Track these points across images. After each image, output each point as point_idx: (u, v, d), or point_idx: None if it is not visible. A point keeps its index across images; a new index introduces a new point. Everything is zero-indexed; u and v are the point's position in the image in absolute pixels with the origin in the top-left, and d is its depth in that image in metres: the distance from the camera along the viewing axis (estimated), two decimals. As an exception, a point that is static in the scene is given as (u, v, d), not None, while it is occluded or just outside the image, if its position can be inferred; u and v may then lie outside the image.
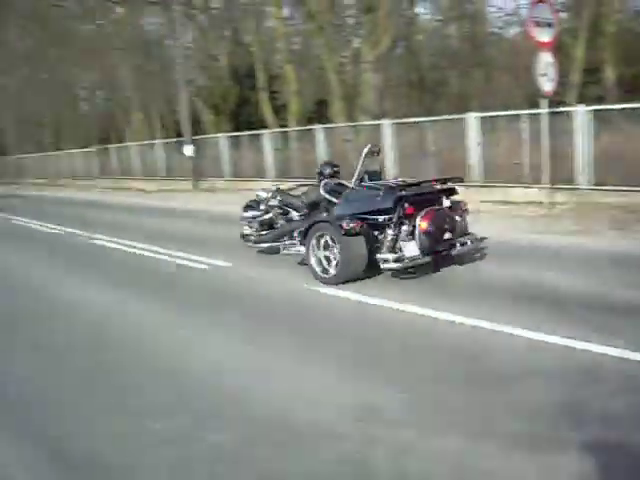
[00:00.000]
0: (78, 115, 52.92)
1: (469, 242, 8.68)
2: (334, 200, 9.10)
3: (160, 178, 29.54)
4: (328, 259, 8.44)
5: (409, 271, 8.29)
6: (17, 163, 49.16)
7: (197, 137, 27.65)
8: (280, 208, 10.19)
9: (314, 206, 9.64)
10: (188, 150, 26.28)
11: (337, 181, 9.58)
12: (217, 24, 35.95)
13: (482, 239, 8.96)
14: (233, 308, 7.82)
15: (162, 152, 29.97)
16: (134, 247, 12.69)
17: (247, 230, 10.63)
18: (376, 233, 8.37)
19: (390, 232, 8.19)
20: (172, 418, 4.73)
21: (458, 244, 8.45)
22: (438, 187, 8.60)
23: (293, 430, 4.40)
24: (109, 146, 36.34)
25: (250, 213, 10.61)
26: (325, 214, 9.15)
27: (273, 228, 10.24)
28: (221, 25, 36.31)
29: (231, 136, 25.59)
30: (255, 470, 3.96)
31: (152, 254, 11.82)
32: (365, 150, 9.21)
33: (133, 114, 40.74)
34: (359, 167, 9.13)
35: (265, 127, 26.50)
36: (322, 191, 9.35)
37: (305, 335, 6.53)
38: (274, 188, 10.48)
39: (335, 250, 8.27)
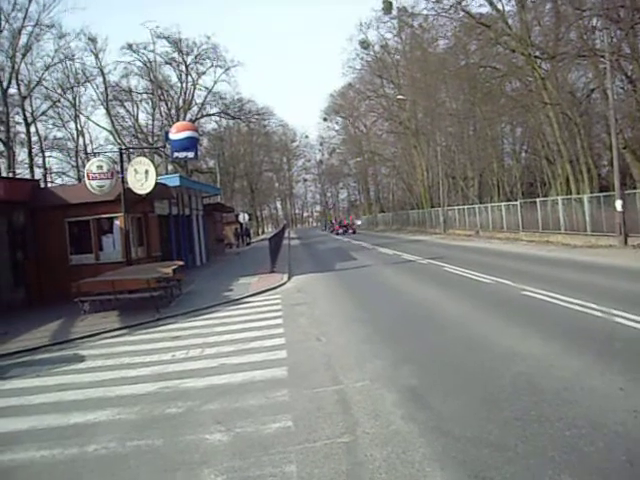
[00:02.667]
0: (502, 169, 54.43)
1: (349, 232, 72.20)
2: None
3: (585, 233, 28.87)
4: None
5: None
6: (445, 214, 52.28)
7: (628, 192, 26.53)
8: None
9: None
10: (618, 205, 25.37)
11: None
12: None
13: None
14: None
15: (588, 207, 29.28)
16: (568, 302, 12.64)
17: None
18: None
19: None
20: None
21: (348, 231, 72.06)
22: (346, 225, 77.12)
23: None
24: (536, 200, 36.57)
25: None
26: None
27: None
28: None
29: (666, 190, 24.02)
30: None
31: (586, 309, 11.64)
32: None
33: (559, 168, 40.64)
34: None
35: None
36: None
37: None
38: None
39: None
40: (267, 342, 11.48)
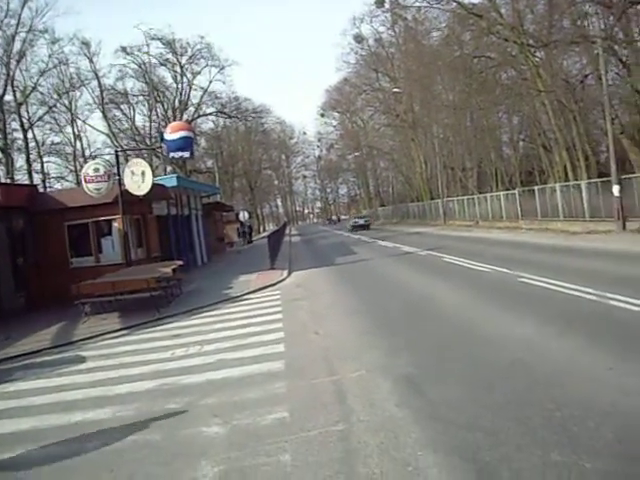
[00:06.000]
0: (500, 159, 54.44)
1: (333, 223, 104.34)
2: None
3: (583, 219, 28.95)
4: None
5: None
6: (444, 206, 52.39)
7: (625, 177, 26.56)
8: None
9: None
10: (615, 190, 25.43)
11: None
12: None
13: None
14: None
15: (586, 193, 29.34)
16: (563, 287, 12.73)
17: None
18: None
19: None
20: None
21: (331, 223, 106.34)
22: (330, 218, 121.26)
23: None
24: (534, 188, 36.62)
25: None
26: None
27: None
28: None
29: (663, 174, 24.07)
30: None
31: (580, 294, 11.75)
32: None
33: (556, 156, 40.64)
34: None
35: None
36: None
37: None
38: None
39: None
40: (266, 337, 11.56)
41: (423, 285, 16.58)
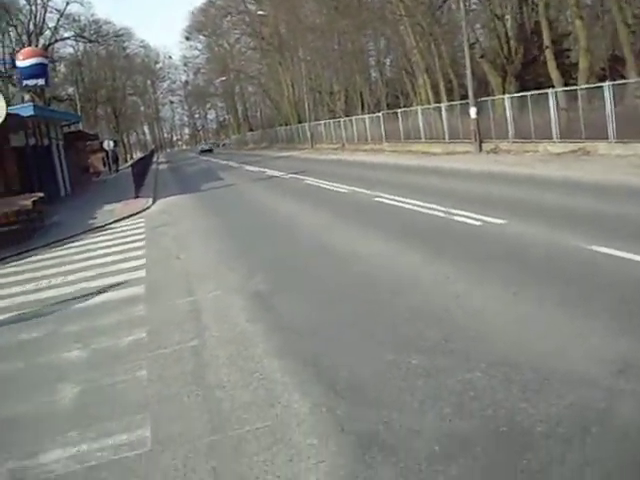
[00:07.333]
0: (367, 82, 55.06)
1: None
2: None
3: (444, 141, 30.06)
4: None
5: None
6: (312, 129, 52.82)
7: (482, 99, 27.65)
8: None
9: None
10: (472, 112, 26.47)
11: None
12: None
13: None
14: (503, 262, 8.17)
15: (446, 115, 30.36)
16: (415, 205, 13.45)
17: None
18: None
19: None
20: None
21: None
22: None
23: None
24: (397, 110, 37.47)
25: None
26: None
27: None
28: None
29: (515, 97, 25.20)
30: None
31: (430, 211, 12.50)
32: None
33: (419, 79, 41.59)
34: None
35: (552, 87, 25.38)
36: None
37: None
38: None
39: None
40: (127, 264, 11.70)
41: (283, 207, 17.23)
